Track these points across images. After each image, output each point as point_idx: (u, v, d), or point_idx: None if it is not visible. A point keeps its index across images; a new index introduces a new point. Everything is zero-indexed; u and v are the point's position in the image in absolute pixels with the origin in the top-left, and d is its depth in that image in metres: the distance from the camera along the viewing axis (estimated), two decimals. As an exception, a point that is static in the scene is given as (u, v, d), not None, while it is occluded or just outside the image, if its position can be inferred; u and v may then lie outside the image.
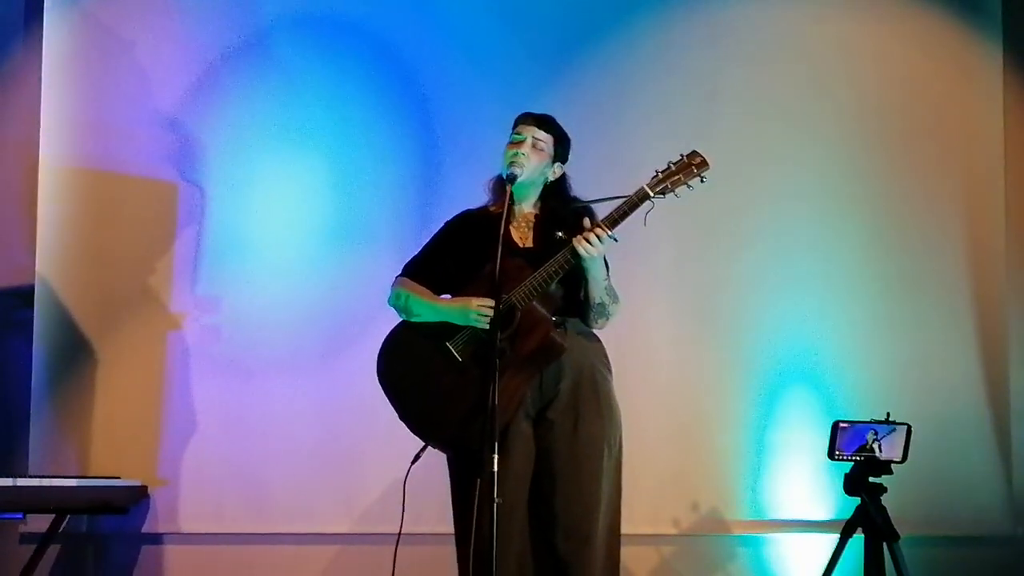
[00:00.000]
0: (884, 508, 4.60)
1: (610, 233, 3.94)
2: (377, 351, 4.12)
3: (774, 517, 5.40)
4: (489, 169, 4.22)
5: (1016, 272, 5.56)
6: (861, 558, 4.65)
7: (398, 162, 5.56)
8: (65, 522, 5.19)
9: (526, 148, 4.10)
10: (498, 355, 3.77)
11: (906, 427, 4.66)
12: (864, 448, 4.65)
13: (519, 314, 3.96)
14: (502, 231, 3.82)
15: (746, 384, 5.45)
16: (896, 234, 5.54)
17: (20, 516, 5.20)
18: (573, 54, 5.59)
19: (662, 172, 3.99)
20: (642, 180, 3.97)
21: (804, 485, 5.38)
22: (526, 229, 4.17)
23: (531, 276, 3.95)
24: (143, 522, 5.38)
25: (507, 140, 4.16)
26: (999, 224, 5.57)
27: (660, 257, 5.44)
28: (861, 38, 5.61)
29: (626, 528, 4.15)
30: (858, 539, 4.65)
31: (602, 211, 4.02)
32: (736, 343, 5.46)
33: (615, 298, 4.11)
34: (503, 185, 4.03)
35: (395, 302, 4.18)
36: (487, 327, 3.89)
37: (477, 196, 4.24)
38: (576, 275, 4.02)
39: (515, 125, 4.17)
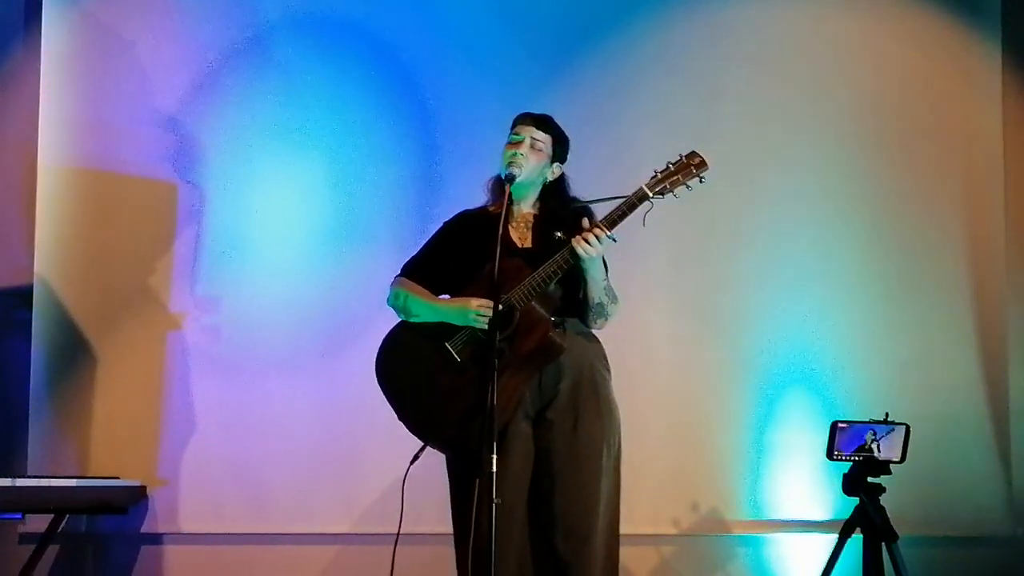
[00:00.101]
0: (883, 508, 4.60)
1: (609, 233, 3.94)
2: (376, 351, 4.12)
3: (773, 517, 5.40)
4: (489, 169, 4.22)
5: (1016, 272, 5.57)
6: (860, 558, 4.64)
7: (398, 162, 5.56)
8: (64, 522, 5.19)
9: (524, 148, 4.10)
10: (497, 355, 3.77)
11: (905, 427, 4.66)
12: (863, 448, 4.65)
13: (518, 314, 3.96)
14: (500, 231, 3.82)
15: (745, 384, 5.45)
16: (895, 234, 5.54)
17: (19, 516, 5.19)
18: (573, 54, 5.59)
19: (661, 172, 3.99)
20: (641, 180, 3.97)
21: (803, 485, 5.38)
22: (525, 229, 4.17)
23: (530, 276, 3.95)
24: (142, 522, 5.38)
25: (506, 140, 4.16)
26: (998, 224, 5.57)
27: (659, 257, 5.44)
28: (860, 38, 5.62)
29: (626, 528, 4.15)
30: (857, 539, 4.65)
31: (601, 211, 4.02)
32: (735, 343, 5.46)
33: (614, 298, 4.11)
34: (502, 185, 4.04)
35: (394, 302, 4.18)
36: (486, 327, 3.89)
37: (477, 196, 4.24)
38: (575, 275, 4.01)
39: (513, 125, 4.17)
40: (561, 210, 4.13)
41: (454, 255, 4.15)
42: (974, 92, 5.61)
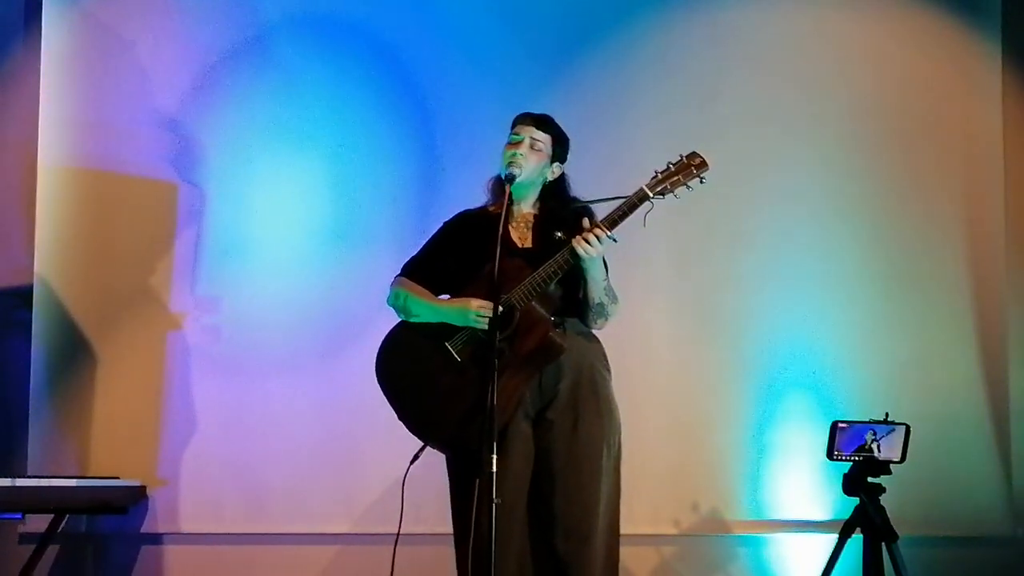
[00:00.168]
0: (883, 508, 4.59)
1: (609, 234, 3.94)
2: (376, 351, 4.12)
3: (773, 517, 5.40)
4: (489, 169, 4.22)
5: (1016, 272, 5.57)
6: (860, 558, 4.64)
7: (398, 162, 5.56)
8: (64, 522, 5.19)
9: (524, 148, 4.10)
10: (497, 355, 3.77)
11: (905, 427, 4.66)
12: (863, 448, 4.65)
13: (518, 314, 3.96)
14: (500, 231, 3.82)
15: (745, 384, 5.45)
16: (896, 234, 5.54)
17: (19, 516, 5.19)
18: (573, 54, 5.59)
19: (661, 173, 3.99)
20: (641, 181, 3.97)
21: (803, 485, 5.38)
22: (525, 229, 4.17)
23: (530, 276, 3.95)
24: (142, 522, 5.38)
25: (506, 141, 4.16)
26: (998, 224, 5.57)
27: (660, 257, 5.44)
28: (860, 39, 5.61)
29: (626, 528, 4.15)
30: (857, 539, 4.65)
31: (601, 211, 4.02)
32: (735, 343, 5.46)
33: (614, 298, 4.11)
34: (502, 185, 4.04)
35: (394, 302, 4.18)
36: (486, 328, 3.89)
37: (477, 196, 4.24)
38: (575, 275, 4.02)
39: (513, 125, 4.17)
40: (561, 210, 4.13)
41: (454, 255, 4.15)
42: (974, 92, 5.61)
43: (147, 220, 5.54)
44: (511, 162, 4.06)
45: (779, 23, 5.61)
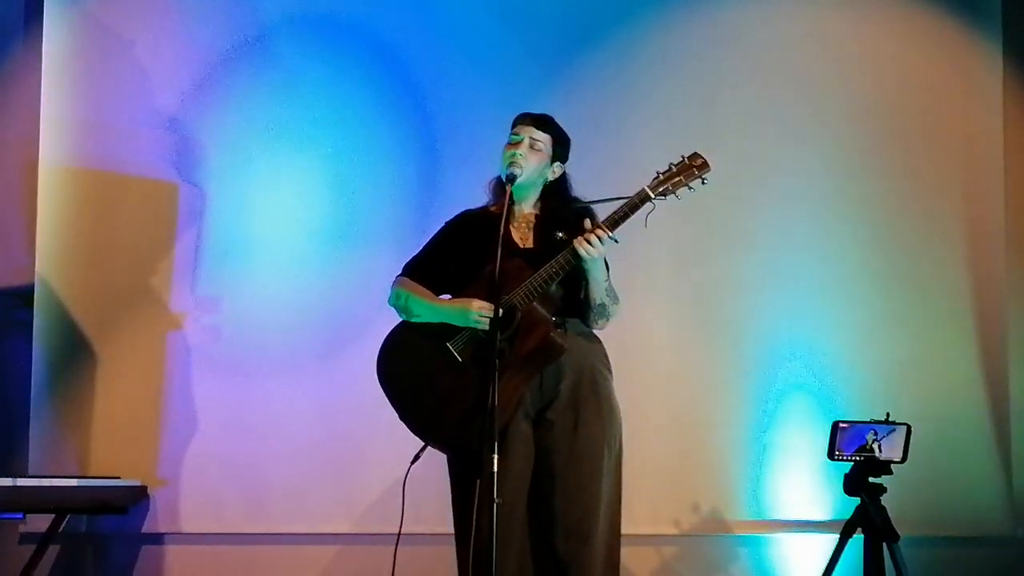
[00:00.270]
0: (884, 508, 4.59)
1: (611, 234, 3.93)
2: (377, 351, 4.12)
3: (774, 517, 5.40)
4: (489, 169, 4.22)
5: (1016, 272, 5.57)
6: (861, 558, 4.64)
7: (398, 162, 5.56)
8: (65, 522, 5.19)
9: (523, 148, 4.09)
10: (498, 355, 3.77)
11: (906, 427, 4.66)
12: (864, 448, 4.65)
13: (519, 315, 3.95)
14: (502, 232, 3.82)
15: (746, 384, 5.45)
16: (896, 234, 5.55)
17: (20, 516, 5.19)
18: (573, 55, 5.58)
19: (663, 173, 3.99)
20: (643, 181, 3.97)
21: (804, 485, 5.38)
22: (526, 229, 4.16)
23: (531, 277, 3.95)
24: (143, 522, 5.38)
25: (506, 141, 4.16)
26: (999, 224, 5.57)
27: (661, 258, 5.44)
28: (861, 40, 5.62)
29: (626, 528, 4.15)
30: (858, 539, 4.65)
31: (603, 212, 4.01)
32: (736, 343, 5.46)
33: (615, 299, 4.11)
34: (503, 186, 4.03)
35: (395, 302, 4.18)
36: (487, 328, 3.89)
37: (477, 196, 4.24)
38: (576, 276, 4.02)
39: (513, 126, 4.17)
40: (562, 210, 4.13)
41: (455, 255, 4.15)
42: (974, 92, 5.62)
43: (147, 220, 5.54)
44: (511, 162, 4.06)
45: (779, 23, 5.61)
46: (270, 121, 5.55)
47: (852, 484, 4.63)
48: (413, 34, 5.60)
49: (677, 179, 3.98)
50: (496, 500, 3.62)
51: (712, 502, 5.41)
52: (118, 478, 5.21)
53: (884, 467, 4.64)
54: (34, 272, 5.46)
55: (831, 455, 4.66)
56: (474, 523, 3.68)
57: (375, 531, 5.22)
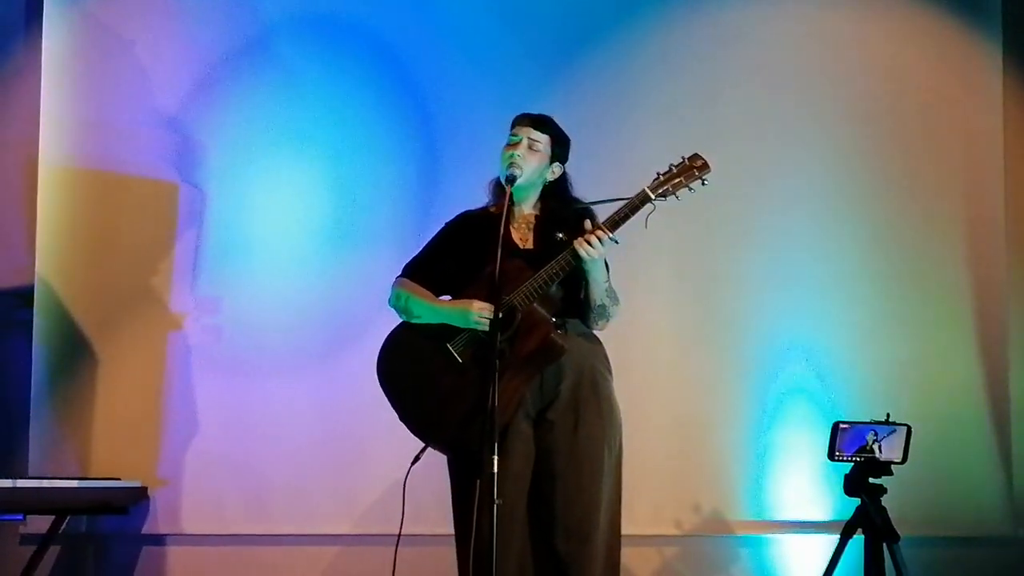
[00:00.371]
0: (884, 509, 4.59)
1: (611, 235, 3.93)
2: (377, 352, 4.12)
3: (775, 518, 5.40)
4: (489, 169, 4.22)
5: (1016, 272, 5.57)
6: (861, 559, 4.64)
7: (398, 162, 5.56)
8: (65, 523, 5.18)
9: (522, 149, 4.09)
10: (498, 356, 3.76)
11: (906, 428, 4.65)
12: (864, 449, 4.65)
13: (519, 315, 3.95)
14: (502, 232, 3.82)
15: (746, 385, 5.45)
16: (896, 234, 5.55)
17: (20, 517, 5.19)
18: (573, 55, 5.58)
19: (663, 174, 3.99)
20: (643, 182, 3.97)
21: (804, 486, 5.38)
22: (526, 230, 4.16)
23: (532, 278, 3.95)
24: (143, 523, 5.38)
25: (505, 141, 4.16)
26: (999, 224, 5.57)
27: (661, 258, 5.44)
28: (861, 39, 5.61)
29: (627, 528, 4.15)
30: (858, 540, 4.65)
31: (603, 213, 4.01)
32: (736, 344, 5.46)
33: (615, 299, 4.11)
34: (502, 187, 4.03)
35: (395, 303, 4.18)
36: (488, 329, 3.89)
37: (477, 196, 4.24)
38: (576, 276, 4.01)
39: (512, 126, 4.17)
40: (562, 211, 4.13)
41: (455, 256, 4.14)
42: (975, 92, 5.62)
43: (148, 220, 5.54)
44: (511, 163, 4.05)
45: (780, 23, 5.61)
46: (270, 121, 5.55)
47: (852, 485, 4.63)
48: (413, 34, 5.60)
49: (677, 180, 3.98)
50: (496, 501, 3.61)
51: (712, 502, 5.41)
52: (118, 479, 5.21)
53: (884, 468, 4.63)
54: (34, 272, 5.46)
55: (831, 456, 4.66)
56: (474, 524, 3.67)
57: (375, 532, 5.22)
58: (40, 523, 5.17)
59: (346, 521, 5.39)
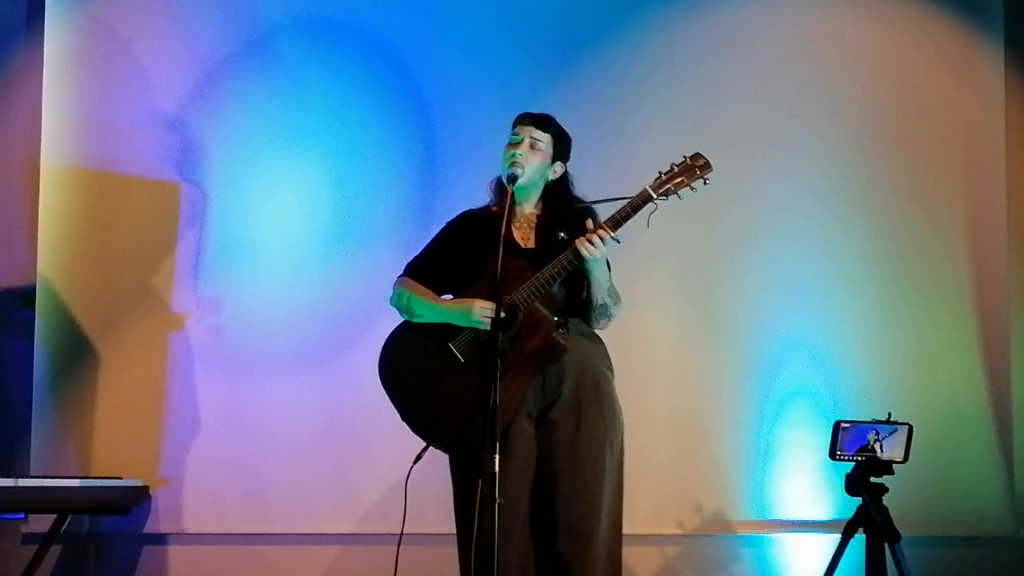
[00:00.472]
0: (885, 508, 4.59)
1: (613, 235, 3.93)
2: (379, 351, 4.12)
3: (776, 517, 5.40)
4: (489, 169, 4.22)
5: (1018, 272, 5.57)
6: (863, 559, 4.64)
7: (399, 162, 5.56)
8: (67, 522, 5.19)
9: (524, 148, 4.09)
10: (500, 356, 3.76)
11: (908, 427, 4.65)
12: (866, 448, 4.65)
13: (521, 315, 3.95)
14: (503, 232, 3.81)
15: (748, 384, 5.45)
16: (898, 234, 5.55)
17: (22, 516, 5.20)
18: (573, 55, 5.58)
19: (665, 174, 3.99)
20: (644, 181, 3.97)
21: (806, 485, 5.38)
22: (528, 229, 4.16)
23: (533, 277, 3.95)
24: (145, 522, 5.38)
25: (507, 141, 4.16)
26: (1001, 223, 5.57)
27: (662, 258, 5.44)
28: (862, 40, 5.62)
29: (629, 528, 4.16)
30: (860, 539, 4.65)
31: (605, 212, 4.01)
32: (738, 344, 5.46)
33: (617, 299, 4.11)
34: (504, 187, 4.03)
35: (397, 302, 4.18)
36: (489, 329, 3.89)
37: (477, 196, 4.24)
38: (578, 276, 4.02)
39: (513, 126, 4.17)
40: (564, 210, 4.13)
41: (457, 255, 4.15)
42: (976, 92, 5.61)
43: (149, 220, 5.54)
44: (512, 162, 4.05)
45: (780, 24, 5.61)
46: (271, 121, 5.55)
47: (854, 484, 4.63)
48: (413, 34, 5.60)
49: (679, 179, 3.98)
50: (498, 500, 3.61)
51: (714, 502, 5.41)
52: (120, 478, 5.21)
53: (886, 467, 4.63)
54: (36, 272, 5.46)
55: (833, 455, 4.65)
56: (476, 523, 3.68)
57: (377, 531, 5.22)
58: (42, 522, 5.18)
59: (348, 521, 5.39)
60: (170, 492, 5.39)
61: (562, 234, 3.99)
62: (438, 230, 4.27)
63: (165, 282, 5.49)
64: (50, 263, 5.47)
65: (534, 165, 4.10)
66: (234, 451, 5.40)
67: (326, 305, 5.47)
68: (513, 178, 4.02)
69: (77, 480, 5.08)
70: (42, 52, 5.53)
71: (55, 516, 5.12)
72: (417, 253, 4.26)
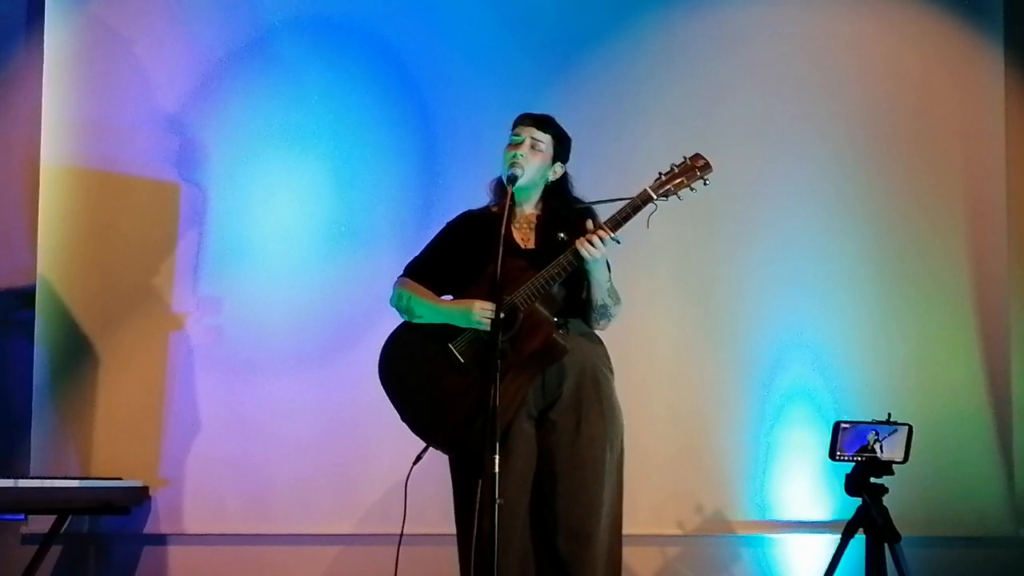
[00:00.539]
0: (885, 509, 4.59)
1: (613, 235, 3.93)
2: (378, 351, 4.12)
3: (776, 518, 5.40)
4: (489, 169, 4.22)
5: (1018, 272, 5.57)
6: (863, 559, 4.64)
7: (399, 162, 5.56)
8: (67, 523, 5.19)
9: (524, 149, 4.09)
10: (500, 356, 3.76)
11: (907, 427, 4.65)
12: (865, 448, 4.65)
13: (521, 315, 3.95)
14: (503, 232, 3.81)
15: (748, 384, 5.45)
16: (898, 234, 5.55)
17: (22, 517, 5.20)
18: (574, 55, 5.58)
19: (665, 174, 3.99)
20: (644, 182, 3.97)
21: (806, 486, 5.38)
22: (528, 230, 4.16)
23: (533, 278, 3.95)
24: (145, 523, 5.38)
25: (507, 141, 4.16)
26: (1001, 223, 5.57)
27: (662, 259, 5.44)
28: (863, 40, 5.62)
29: (629, 529, 4.16)
30: (860, 540, 4.65)
31: (605, 213, 4.01)
32: (738, 344, 5.46)
33: (617, 299, 4.11)
34: (504, 187, 4.03)
35: (397, 303, 4.18)
36: (489, 329, 3.89)
37: (477, 196, 4.24)
38: (578, 276, 4.01)
39: (514, 126, 4.16)
40: (564, 210, 4.13)
41: (457, 255, 4.14)
42: (976, 92, 5.62)
43: (149, 220, 5.54)
44: (513, 163, 4.05)
45: (780, 24, 5.61)
46: (271, 121, 5.55)
47: (854, 484, 4.63)
48: (413, 34, 5.60)
49: (679, 180, 3.98)
50: (498, 501, 3.61)
51: (714, 502, 5.41)
52: (120, 479, 5.21)
53: (886, 467, 4.63)
54: (36, 273, 5.46)
55: (832, 455, 4.65)
56: (476, 524, 3.68)
57: (377, 532, 5.22)
58: (42, 523, 5.18)
59: (348, 521, 5.39)
60: (170, 492, 5.39)
61: (562, 235, 3.99)
62: (438, 230, 4.27)
63: (165, 282, 5.49)
64: (50, 263, 5.46)
65: (534, 166, 4.10)
66: (234, 451, 5.41)
67: (326, 305, 5.47)
68: (513, 179, 4.02)
69: (77, 481, 5.08)
70: (42, 52, 5.52)
71: (55, 517, 5.12)
72: (417, 254, 4.26)
